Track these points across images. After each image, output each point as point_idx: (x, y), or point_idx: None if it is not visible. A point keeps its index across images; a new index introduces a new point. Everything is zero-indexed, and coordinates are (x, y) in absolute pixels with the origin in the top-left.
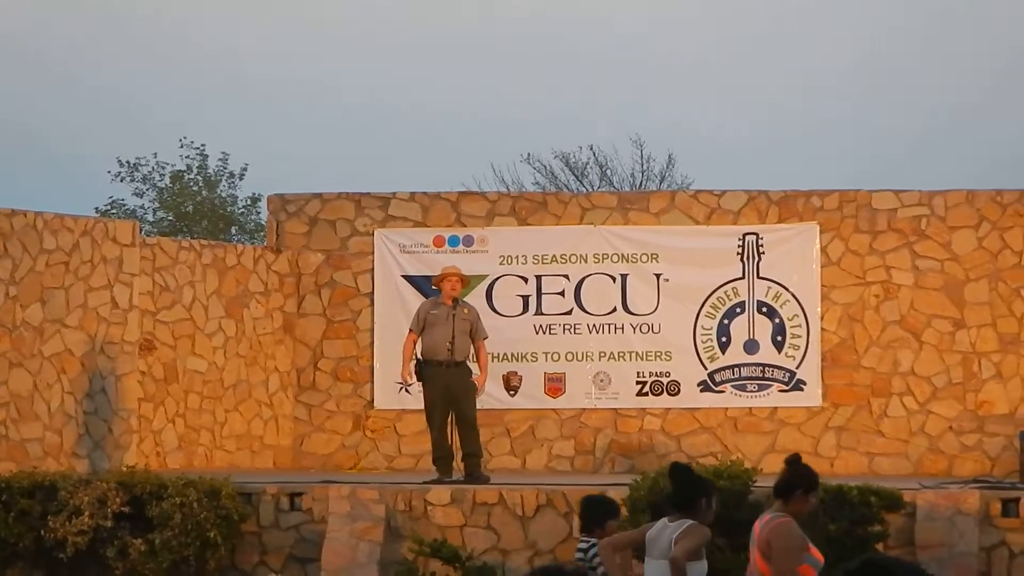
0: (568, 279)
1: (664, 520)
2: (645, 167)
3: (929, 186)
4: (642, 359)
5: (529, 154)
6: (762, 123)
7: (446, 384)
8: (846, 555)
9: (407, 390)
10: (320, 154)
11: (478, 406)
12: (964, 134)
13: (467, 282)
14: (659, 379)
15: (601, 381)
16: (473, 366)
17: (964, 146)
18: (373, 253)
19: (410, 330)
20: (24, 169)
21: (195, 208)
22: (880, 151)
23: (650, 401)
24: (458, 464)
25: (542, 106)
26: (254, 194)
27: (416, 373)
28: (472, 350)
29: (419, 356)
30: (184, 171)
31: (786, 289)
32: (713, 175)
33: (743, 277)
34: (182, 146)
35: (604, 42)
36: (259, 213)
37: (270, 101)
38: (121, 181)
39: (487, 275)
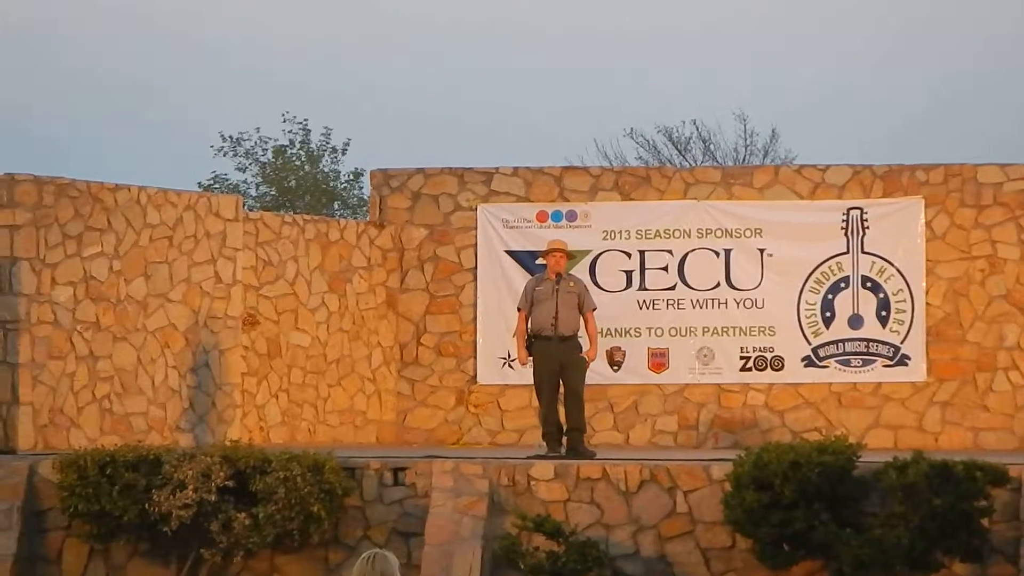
0: (671, 254)
1: None
2: (748, 141)
3: None
4: (745, 334)
5: (632, 129)
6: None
7: (554, 359)
8: (950, 530)
9: (510, 365)
10: (423, 129)
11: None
12: None
13: (572, 257)
14: (763, 354)
15: (704, 356)
16: (583, 340)
17: None
18: (476, 228)
19: (519, 308)
20: (129, 139)
21: (298, 183)
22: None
23: (753, 376)
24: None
25: (645, 80)
26: (357, 169)
27: (527, 349)
28: (582, 323)
29: (529, 332)
30: (287, 146)
31: (891, 264)
32: (817, 150)
33: (847, 252)
34: (284, 121)
35: (707, 12)
36: (362, 188)
37: (371, 77)
38: (224, 156)
39: (590, 250)
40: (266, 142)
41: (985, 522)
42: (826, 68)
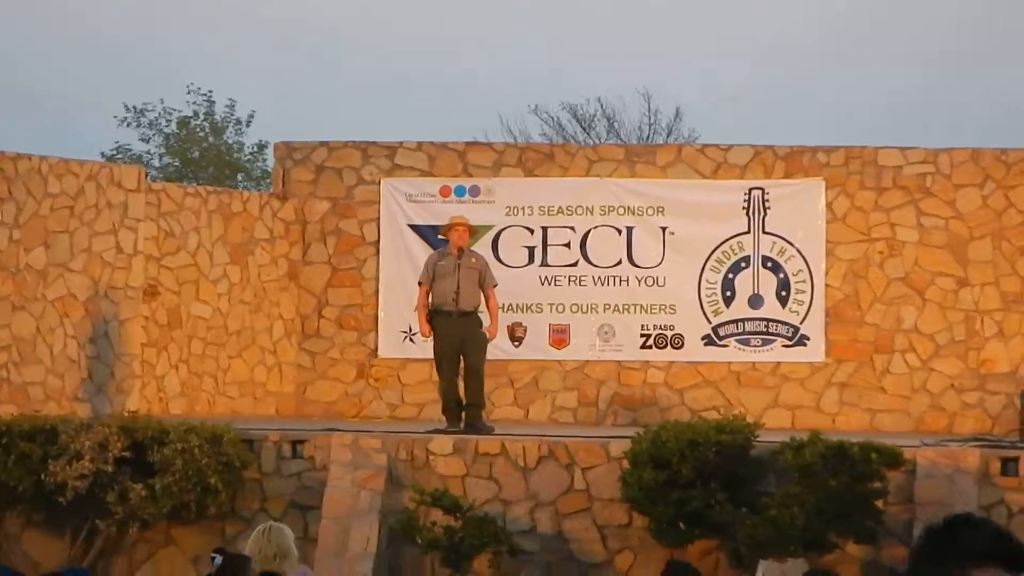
0: (574, 231)
1: None
2: (652, 120)
3: (934, 143)
4: (646, 312)
5: (537, 106)
6: (769, 75)
7: (454, 334)
8: (846, 511)
9: (412, 339)
10: (328, 103)
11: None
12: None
13: (474, 232)
14: (663, 332)
15: (605, 333)
16: (483, 315)
17: (969, 99)
18: (379, 202)
19: (420, 283)
20: (29, 116)
21: (201, 154)
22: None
23: (654, 354)
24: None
25: (549, 58)
26: (261, 141)
27: (428, 323)
28: (482, 299)
29: (430, 307)
30: (191, 117)
31: (791, 244)
32: (720, 129)
33: (748, 232)
34: (189, 92)
35: None
36: (266, 160)
37: (280, 49)
38: (128, 127)
39: (493, 226)
40: (170, 113)
41: (879, 504)
42: (732, 49)
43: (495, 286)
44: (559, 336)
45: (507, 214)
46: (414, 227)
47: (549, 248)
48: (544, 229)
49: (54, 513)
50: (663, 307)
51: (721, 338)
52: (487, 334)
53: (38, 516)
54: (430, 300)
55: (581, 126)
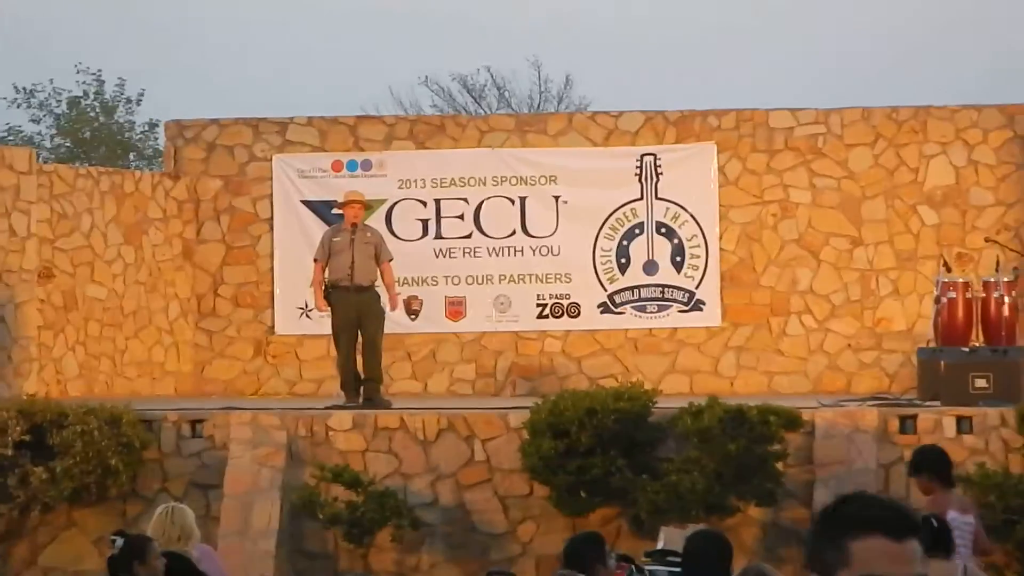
0: (467, 202)
1: None
2: (543, 89)
3: (825, 104)
4: (542, 281)
5: (427, 77)
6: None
7: (351, 309)
8: (746, 474)
9: (308, 315)
10: (218, 79)
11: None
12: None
13: (368, 206)
14: (559, 301)
15: (501, 304)
16: (380, 290)
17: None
18: (272, 178)
19: (315, 259)
20: None
21: (93, 134)
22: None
23: (551, 323)
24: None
25: (439, 27)
26: (151, 120)
27: (324, 299)
28: (378, 274)
29: (327, 283)
30: (81, 97)
31: (684, 209)
32: (612, 96)
33: (641, 198)
34: (78, 72)
35: None
36: (157, 139)
37: (168, 25)
38: (18, 108)
39: (386, 199)
40: (60, 93)
41: (779, 466)
42: (623, 10)
43: (391, 260)
44: (455, 308)
45: (399, 187)
46: (307, 203)
47: (443, 220)
48: (437, 201)
49: None
50: (558, 276)
51: (617, 305)
52: (388, 307)
53: None
54: (326, 276)
55: (472, 96)
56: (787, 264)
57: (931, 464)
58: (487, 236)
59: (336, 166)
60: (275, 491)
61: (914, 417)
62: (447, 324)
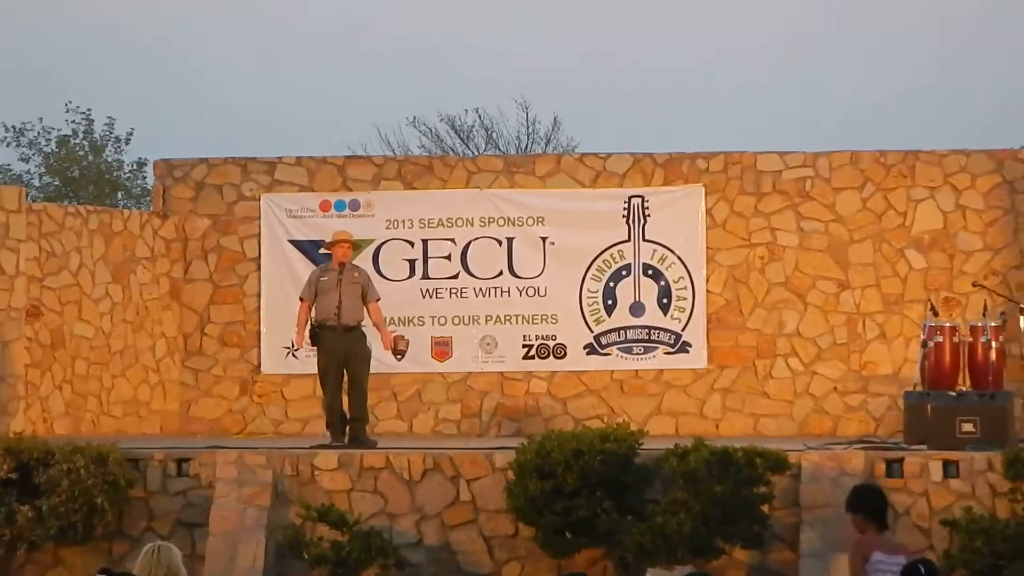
0: (454, 243)
1: None
2: (531, 130)
3: (813, 147)
4: (528, 322)
5: (415, 117)
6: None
7: (338, 349)
8: (731, 516)
9: (294, 355)
10: (206, 119)
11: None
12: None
13: (357, 246)
14: (545, 342)
15: (487, 344)
16: (367, 330)
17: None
18: (260, 218)
19: (301, 298)
20: None
21: (81, 173)
22: (767, 113)
23: (536, 364)
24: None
25: (429, 68)
26: (140, 159)
27: (311, 339)
28: (365, 314)
29: (313, 322)
30: (70, 136)
31: (672, 251)
32: (600, 138)
33: (629, 240)
34: (68, 111)
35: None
36: (145, 178)
37: (157, 66)
38: (7, 146)
39: (373, 239)
40: (49, 132)
41: (765, 508)
42: (608, 55)
43: (378, 300)
44: (441, 348)
45: (387, 227)
46: (295, 242)
47: (430, 261)
48: (424, 242)
49: None
50: (545, 317)
51: (603, 347)
52: (382, 346)
53: None
54: (313, 315)
55: (460, 137)
56: (774, 307)
57: (866, 504)
58: (474, 277)
59: (324, 206)
60: (260, 530)
61: (901, 461)
62: (433, 364)
